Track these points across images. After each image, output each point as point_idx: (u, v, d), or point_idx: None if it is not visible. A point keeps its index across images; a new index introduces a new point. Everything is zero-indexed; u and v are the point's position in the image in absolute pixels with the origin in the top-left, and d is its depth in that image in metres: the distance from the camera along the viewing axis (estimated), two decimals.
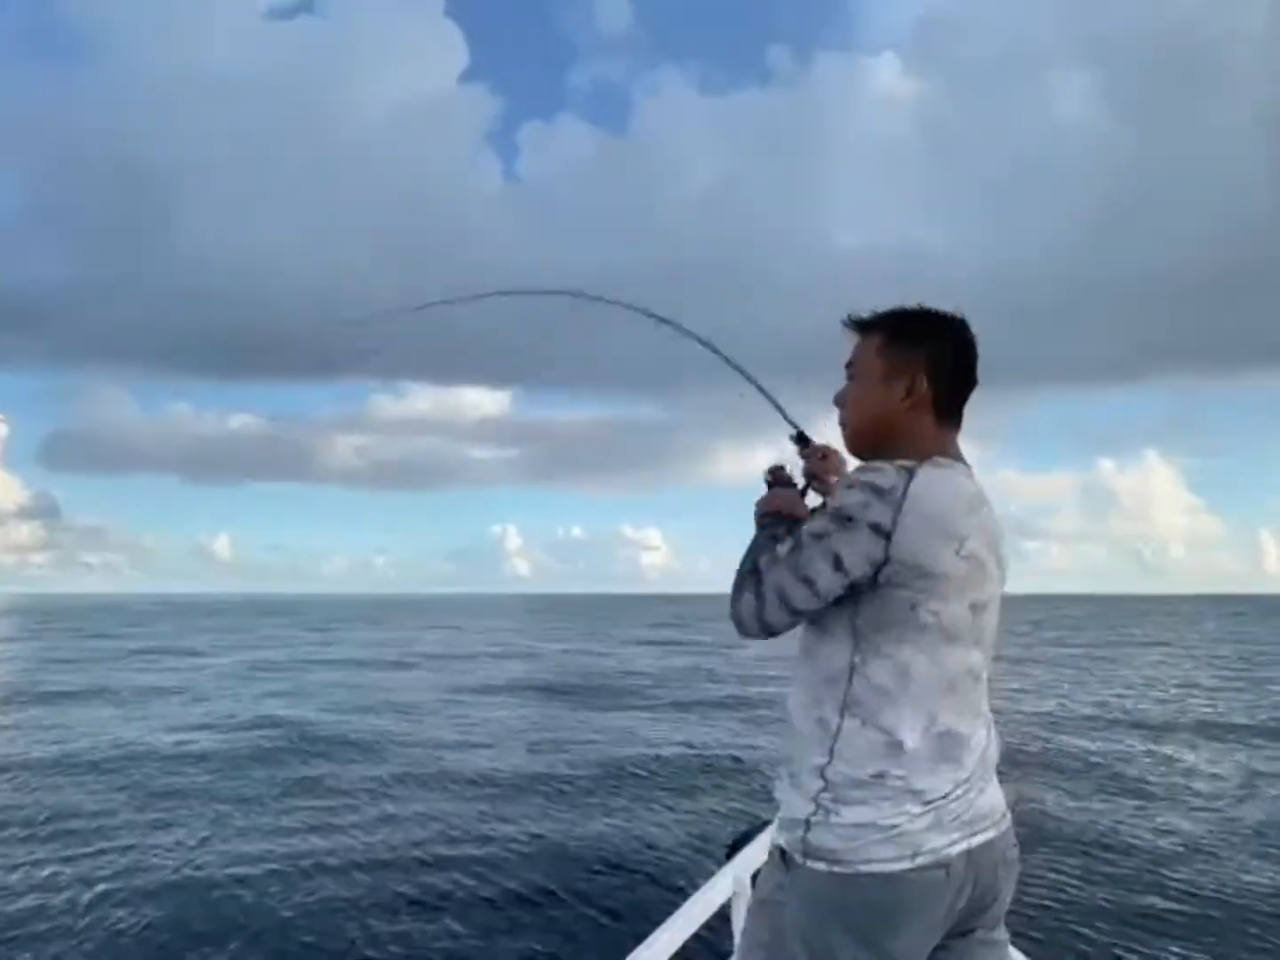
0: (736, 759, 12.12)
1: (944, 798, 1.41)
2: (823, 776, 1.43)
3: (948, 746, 1.44)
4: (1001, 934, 1.56)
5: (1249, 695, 18.45)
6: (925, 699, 1.43)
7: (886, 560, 1.38)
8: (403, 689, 20.68)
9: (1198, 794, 10.11)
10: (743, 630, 1.50)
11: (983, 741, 1.50)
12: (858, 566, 1.39)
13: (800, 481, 1.81)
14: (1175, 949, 5.63)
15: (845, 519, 1.39)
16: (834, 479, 1.77)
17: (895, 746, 1.41)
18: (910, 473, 1.40)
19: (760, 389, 1.94)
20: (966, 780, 1.44)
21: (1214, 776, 11.04)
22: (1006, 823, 1.52)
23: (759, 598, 1.45)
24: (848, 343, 1.66)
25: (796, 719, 1.52)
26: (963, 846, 1.41)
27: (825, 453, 1.82)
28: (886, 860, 1.37)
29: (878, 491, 1.38)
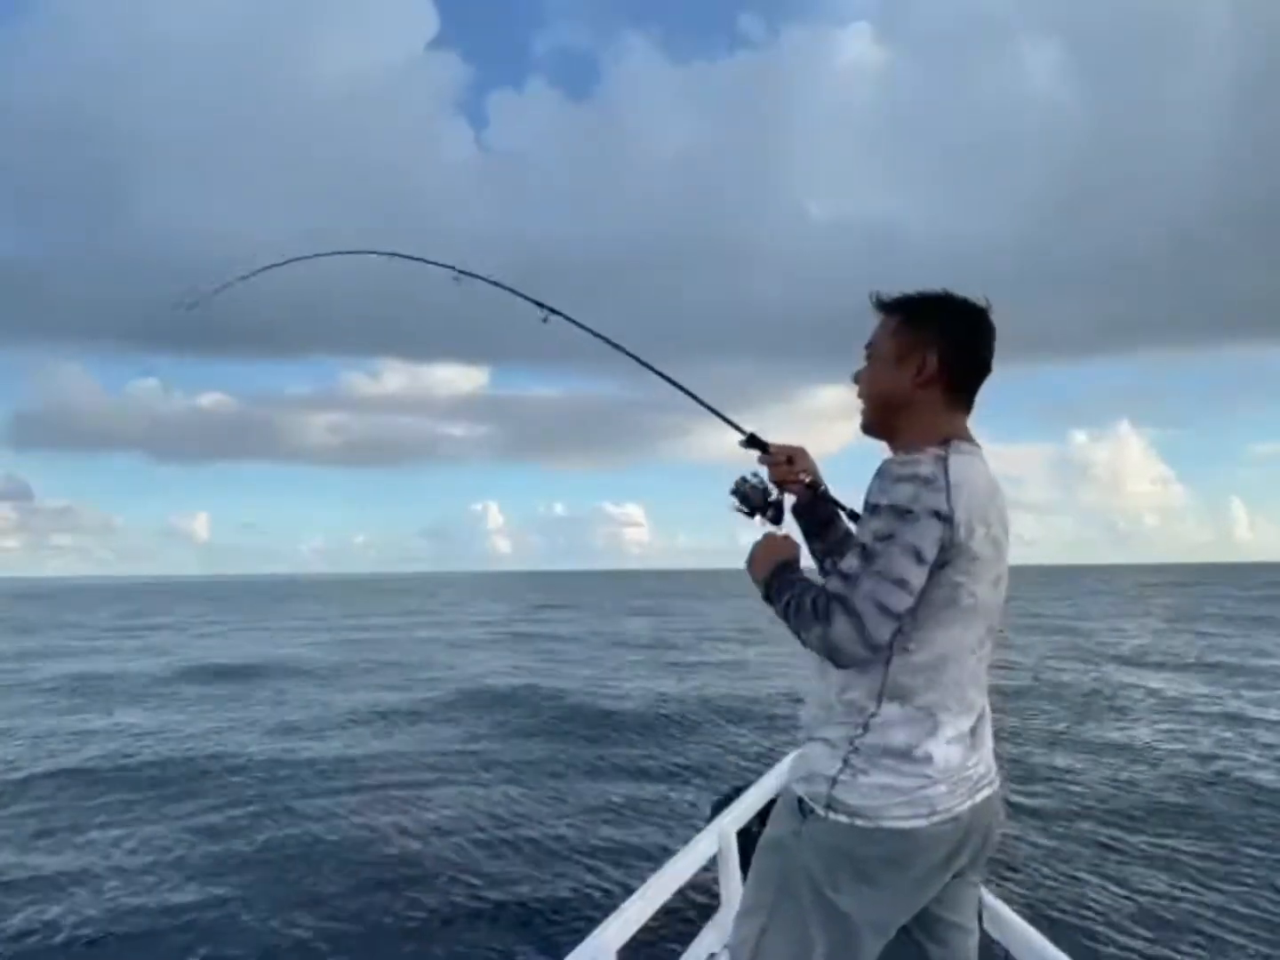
0: (721, 719, 12.24)
1: (960, 765, 1.51)
2: (853, 745, 1.51)
3: (967, 717, 1.55)
4: (977, 876, 1.69)
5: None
6: (957, 676, 1.52)
7: (951, 544, 1.42)
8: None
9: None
10: (844, 659, 1.46)
11: (986, 708, 1.62)
12: (931, 554, 1.41)
13: (772, 491, 1.79)
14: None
15: (904, 512, 1.41)
16: (806, 478, 1.80)
17: (929, 722, 1.50)
18: (944, 460, 1.45)
19: (697, 398, 1.95)
20: (977, 746, 1.56)
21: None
22: (999, 780, 1.62)
23: (854, 616, 1.41)
24: (872, 322, 1.69)
25: (830, 694, 1.56)
26: (968, 803, 1.52)
27: (790, 455, 1.81)
28: (905, 818, 1.47)
29: (925, 481, 1.42)
